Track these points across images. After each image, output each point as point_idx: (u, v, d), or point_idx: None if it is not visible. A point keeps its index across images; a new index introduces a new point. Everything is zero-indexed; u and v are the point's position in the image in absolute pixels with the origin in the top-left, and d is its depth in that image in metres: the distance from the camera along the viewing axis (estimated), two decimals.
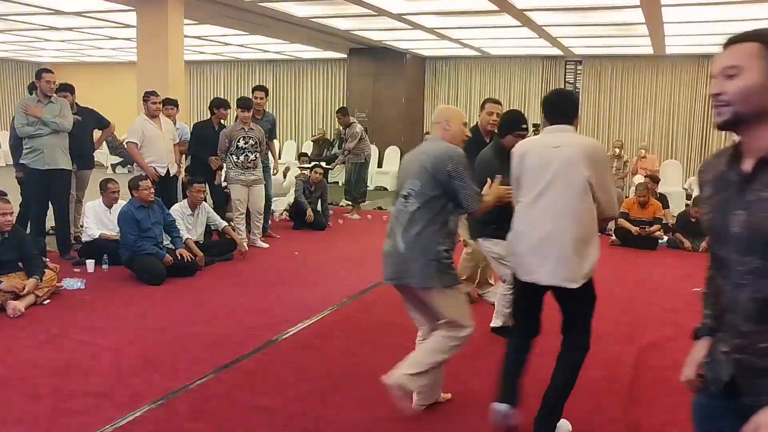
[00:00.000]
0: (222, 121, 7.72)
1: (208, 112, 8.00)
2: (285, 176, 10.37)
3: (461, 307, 3.25)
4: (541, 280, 2.99)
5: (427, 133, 13.97)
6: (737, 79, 1.49)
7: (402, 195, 3.16)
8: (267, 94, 8.12)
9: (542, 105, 3.20)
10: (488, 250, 4.44)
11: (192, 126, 8.13)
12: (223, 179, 7.50)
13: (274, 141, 8.39)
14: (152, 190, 6.11)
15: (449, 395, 3.55)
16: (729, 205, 1.53)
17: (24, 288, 4.88)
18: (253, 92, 7.96)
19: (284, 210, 9.47)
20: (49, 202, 6.58)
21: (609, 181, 3.08)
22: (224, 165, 7.33)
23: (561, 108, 3.09)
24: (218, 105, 7.72)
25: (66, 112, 6.44)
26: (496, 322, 4.67)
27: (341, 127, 10.56)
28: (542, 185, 2.97)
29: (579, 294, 2.98)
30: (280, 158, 13.25)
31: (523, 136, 4.08)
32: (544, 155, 3.00)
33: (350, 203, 10.31)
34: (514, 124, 4.16)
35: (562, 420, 3.15)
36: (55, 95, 6.44)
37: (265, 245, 7.53)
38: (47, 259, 5.87)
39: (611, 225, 8.27)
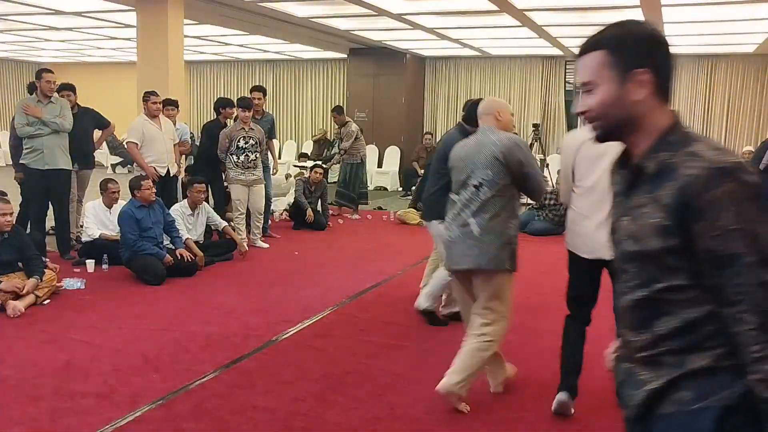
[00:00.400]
0: (228, 120, 7.75)
1: (214, 112, 8.01)
2: (287, 179, 10.34)
3: (510, 296, 3.40)
4: (606, 255, 3.21)
5: (428, 133, 13.98)
6: (594, 95, 1.44)
7: (473, 185, 3.30)
8: (265, 95, 8.14)
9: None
10: (441, 233, 4.57)
11: (203, 125, 8.16)
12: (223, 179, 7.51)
13: (274, 141, 8.39)
14: (154, 190, 6.11)
15: (514, 370, 3.67)
16: (619, 210, 1.50)
17: (24, 288, 4.89)
18: (250, 93, 7.97)
19: (284, 210, 9.47)
20: (49, 202, 6.58)
21: None
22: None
23: None
24: (224, 105, 7.77)
25: (66, 112, 6.44)
26: (449, 308, 4.80)
27: (338, 126, 10.53)
28: (599, 172, 3.19)
29: None
30: (280, 158, 13.25)
31: None
32: (597, 146, 3.20)
33: (340, 204, 10.20)
34: None
35: None
36: (55, 95, 6.44)
37: (265, 245, 7.53)
38: (47, 259, 5.87)
39: None
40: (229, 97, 8.94)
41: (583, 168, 3.26)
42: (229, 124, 7.60)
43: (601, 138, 1.50)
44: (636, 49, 1.41)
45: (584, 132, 3.41)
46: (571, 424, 3.31)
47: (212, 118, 7.97)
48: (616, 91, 1.42)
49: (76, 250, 6.63)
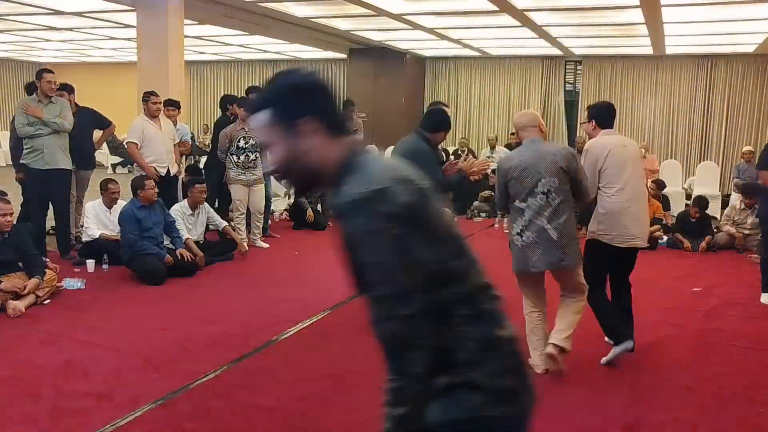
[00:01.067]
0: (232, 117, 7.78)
1: (220, 110, 8.07)
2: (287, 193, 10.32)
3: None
4: (639, 244, 3.98)
5: None
6: (273, 154, 1.46)
7: (541, 192, 3.65)
8: None
9: (597, 113, 4.10)
10: None
11: (215, 122, 8.20)
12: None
13: None
14: (156, 190, 6.12)
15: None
16: None
17: (25, 288, 4.89)
18: (247, 93, 8.00)
19: (284, 210, 9.47)
20: (50, 202, 6.58)
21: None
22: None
23: (613, 116, 4.14)
24: (231, 101, 7.89)
25: (66, 112, 6.43)
26: None
27: None
28: (627, 175, 3.90)
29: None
30: None
31: (446, 134, 4.79)
32: (621, 153, 3.94)
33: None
34: (448, 122, 4.71)
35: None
36: (55, 95, 6.44)
37: (265, 245, 7.53)
38: (47, 259, 5.87)
39: None
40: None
41: (611, 172, 3.88)
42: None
43: (300, 192, 1.53)
44: (293, 101, 1.42)
45: (608, 140, 3.96)
46: (571, 424, 3.31)
47: (218, 116, 8.00)
48: (288, 146, 1.43)
49: (76, 250, 6.63)
